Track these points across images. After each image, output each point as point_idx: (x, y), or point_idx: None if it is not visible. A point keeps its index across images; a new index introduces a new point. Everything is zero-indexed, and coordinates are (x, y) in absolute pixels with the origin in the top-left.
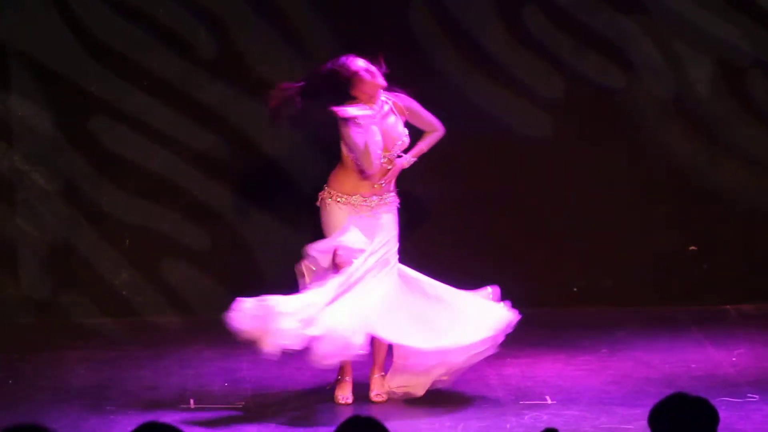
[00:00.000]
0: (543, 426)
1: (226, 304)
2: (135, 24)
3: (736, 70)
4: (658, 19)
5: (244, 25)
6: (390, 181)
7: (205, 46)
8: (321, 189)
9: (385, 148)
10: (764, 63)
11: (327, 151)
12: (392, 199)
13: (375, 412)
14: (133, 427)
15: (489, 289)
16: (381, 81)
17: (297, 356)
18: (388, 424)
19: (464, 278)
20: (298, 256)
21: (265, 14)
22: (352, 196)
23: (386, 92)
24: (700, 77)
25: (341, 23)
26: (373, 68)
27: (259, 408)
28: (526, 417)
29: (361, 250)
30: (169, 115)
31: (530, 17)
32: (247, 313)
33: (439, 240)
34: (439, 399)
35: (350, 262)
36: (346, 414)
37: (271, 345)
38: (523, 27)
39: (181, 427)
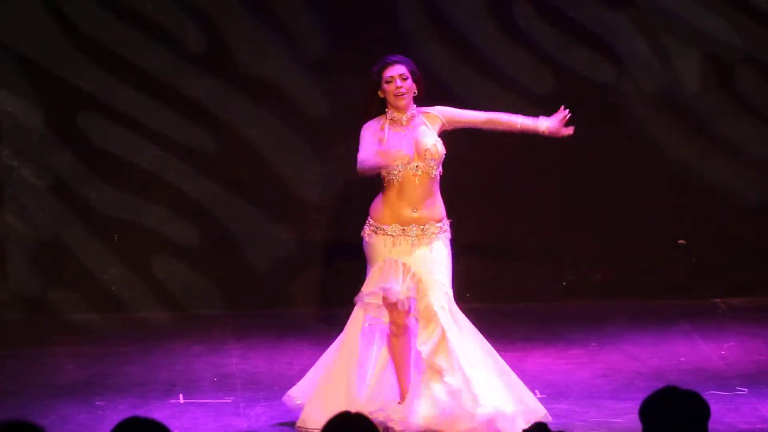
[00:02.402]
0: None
1: (214, 299)
2: (123, 20)
3: (725, 65)
4: (647, 13)
5: (232, 20)
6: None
7: (194, 41)
8: (312, 189)
9: (417, 157)
10: (753, 57)
11: (320, 152)
12: (437, 230)
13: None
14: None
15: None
16: (401, 98)
17: (284, 352)
18: None
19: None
20: (286, 251)
21: (252, 9)
22: (389, 225)
23: (419, 107)
24: (688, 71)
25: (329, 17)
26: (402, 75)
27: (248, 403)
28: None
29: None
30: (158, 110)
31: (519, 12)
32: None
33: None
34: None
35: (398, 303)
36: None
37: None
38: (513, 22)
39: (171, 421)
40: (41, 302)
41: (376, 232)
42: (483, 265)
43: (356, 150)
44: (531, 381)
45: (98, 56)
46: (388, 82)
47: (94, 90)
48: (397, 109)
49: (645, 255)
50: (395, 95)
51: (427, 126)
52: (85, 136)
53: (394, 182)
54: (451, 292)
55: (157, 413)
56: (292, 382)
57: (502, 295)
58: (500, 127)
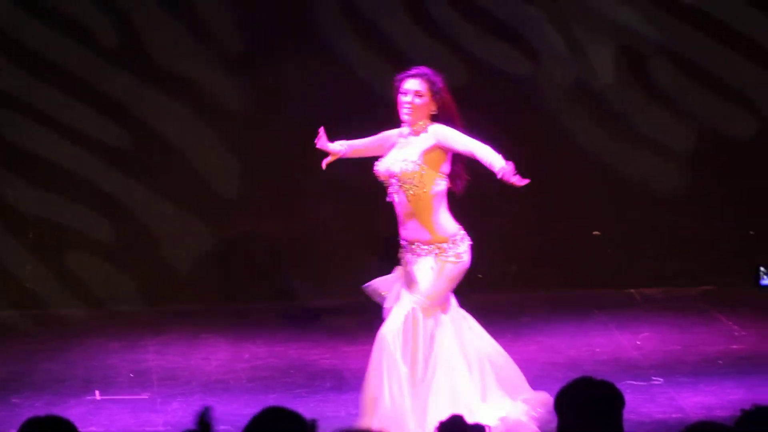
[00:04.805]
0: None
1: (131, 295)
2: (39, 17)
3: (639, 56)
4: (562, 6)
5: (147, 16)
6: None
7: (111, 38)
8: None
9: (393, 176)
10: (666, 48)
11: (237, 147)
12: (439, 249)
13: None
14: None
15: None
16: (404, 113)
17: (203, 347)
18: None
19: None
20: (205, 247)
21: (167, 4)
22: (403, 242)
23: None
24: (603, 64)
25: (243, 11)
26: (413, 89)
27: (165, 398)
28: None
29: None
30: (74, 107)
31: (433, 5)
32: None
33: (341, 227)
34: (344, 386)
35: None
36: (251, 405)
37: None
38: (427, 14)
39: (88, 418)
40: None
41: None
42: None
43: (275, 145)
44: None
45: (13, 54)
46: (402, 94)
47: (9, 88)
48: (403, 122)
49: (560, 246)
50: (400, 108)
51: (417, 145)
52: (0, 133)
53: (392, 198)
54: (427, 299)
55: (74, 410)
56: (210, 377)
57: None
58: (477, 160)
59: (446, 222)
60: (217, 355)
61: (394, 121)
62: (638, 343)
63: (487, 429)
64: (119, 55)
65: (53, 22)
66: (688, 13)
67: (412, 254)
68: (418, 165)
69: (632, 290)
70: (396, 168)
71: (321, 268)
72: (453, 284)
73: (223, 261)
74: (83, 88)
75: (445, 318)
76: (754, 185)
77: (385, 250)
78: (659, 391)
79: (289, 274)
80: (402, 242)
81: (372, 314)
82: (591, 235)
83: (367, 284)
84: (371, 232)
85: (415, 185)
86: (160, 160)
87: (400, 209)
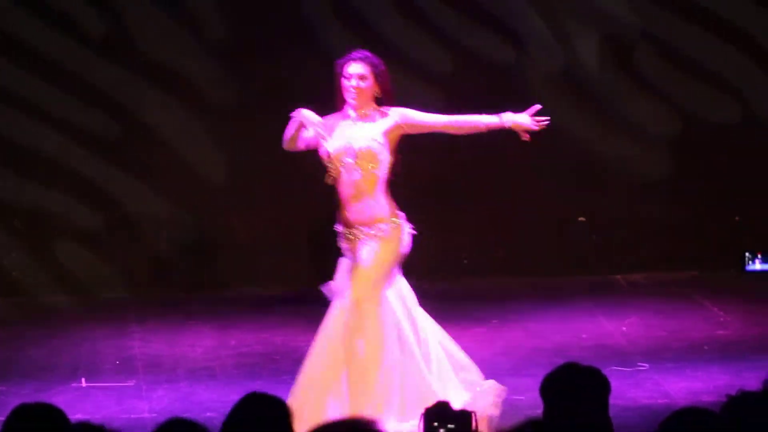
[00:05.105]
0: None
1: (116, 283)
2: (24, 6)
3: (624, 44)
4: None
5: (134, 5)
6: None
7: (97, 28)
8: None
9: (350, 154)
10: (651, 36)
11: (224, 136)
12: (384, 229)
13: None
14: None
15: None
16: (351, 96)
17: (188, 334)
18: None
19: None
20: (189, 235)
21: None
22: (342, 228)
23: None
24: (588, 51)
25: (231, 1)
26: (358, 74)
27: (150, 385)
28: None
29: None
30: (60, 96)
31: None
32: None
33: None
34: None
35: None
36: (237, 392)
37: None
38: (412, 3)
39: (74, 405)
40: None
41: (341, 236)
42: None
43: (262, 134)
44: None
45: None
46: (345, 78)
47: None
48: (349, 106)
49: (546, 232)
50: (347, 92)
51: (375, 125)
52: None
53: (337, 181)
54: (377, 282)
55: (60, 397)
56: (195, 364)
57: (404, 272)
58: (463, 130)
59: (391, 204)
60: (203, 342)
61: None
62: (624, 329)
63: (473, 415)
64: (106, 44)
65: (40, 11)
66: (673, 1)
67: (354, 241)
68: (381, 144)
69: (618, 276)
70: (359, 145)
71: (307, 255)
72: (396, 264)
73: (209, 248)
74: (70, 77)
75: (394, 302)
76: (739, 171)
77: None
78: (645, 377)
79: (274, 262)
80: (341, 229)
81: None
82: (576, 222)
83: (325, 285)
84: None
85: (374, 164)
86: (147, 149)
87: (350, 189)
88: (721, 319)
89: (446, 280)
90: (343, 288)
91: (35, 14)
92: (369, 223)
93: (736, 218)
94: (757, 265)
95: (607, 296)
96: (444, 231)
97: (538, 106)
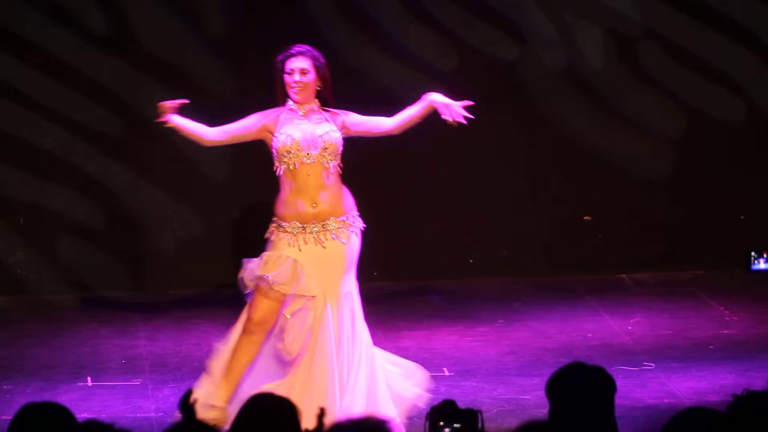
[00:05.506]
0: (441, 398)
1: (121, 280)
2: (26, 1)
3: (627, 40)
4: None
5: (137, 3)
6: None
7: (97, 22)
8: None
9: (310, 146)
10: (654, 33)
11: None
12: (338, 224)
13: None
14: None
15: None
16: (294, 91)
17: (194, 332)
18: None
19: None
20: (192, 231)
21: None
22: (289, 223)
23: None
24: (591, 47)
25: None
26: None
27: (156, 384)
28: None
29: (294, 295)
30: (62, 91)
31: None
32: None
33: None
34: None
35: (277, 297)
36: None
37: None
38: (416, 1)
39: (79, 404)
40: None
41: (278, 230)
42: (389, 243)
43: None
44: (438, 359)
45: (2, 39)
46: (287, 74)
47: None
48: (294, 101)
49: (551, 231)
50: (291, 88)
51: (326, 119)
52: None
53: (287, 174)
54: (350, 291)
55: (66, 396)
56: (201, 362)
57: (409, 272)
58: (405, 127)
59: (347, 199)
60: (208, 341)
61: (384, 101)
62: (630, 328)
63: (480, 414)
64: (107, 39)
65: (40, 5)
66: None
67: (302, 235)
68: (340, 138)
69: (623, 275)
70: (322, 137)
71: None
72: (352, 262)
73: (214, 246)
74: (71, 72)
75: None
76: (744, 169)
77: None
78: (651, 377)
79: None
80: (287, 222)
81: (365, 300)
82: (581, 221)
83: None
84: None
85: (335, 157)
86: (148, 145)
87: (310, 184)
88: (727, 318)
89: (451, 279)
90: (282, 280)
91: (38, 9)
92: (323, 218)
93: (742, 217)
94: (763, 264)
95: (612, 295)
96: (448, 230)
97: (470, 102)
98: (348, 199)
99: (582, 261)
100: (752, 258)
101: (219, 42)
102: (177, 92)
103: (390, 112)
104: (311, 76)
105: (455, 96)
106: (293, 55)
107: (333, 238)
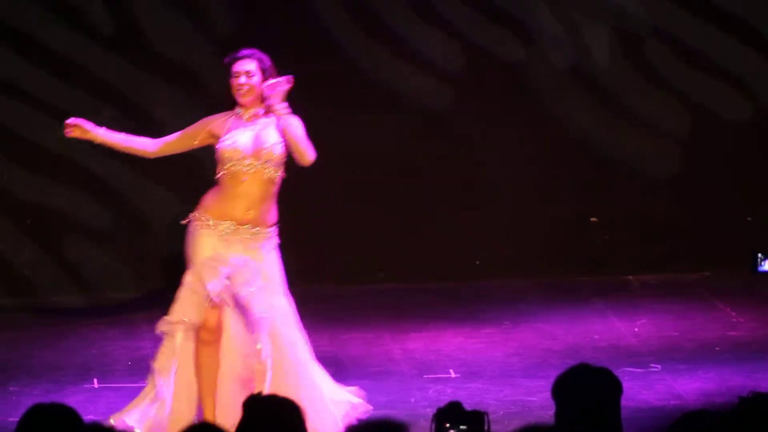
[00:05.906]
0: (447, 399)
1: (127, 281)
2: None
3: (634, 39)
4: None
5: (144, 2)
6: None
7: (104, 21)
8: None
9: (252, 155)
10: (661, 31)
11: None
12: (267, 235)
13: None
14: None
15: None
16: (240, 94)
17: None
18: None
19: (364, 256)
20: None
21: None
22: (221, 222)
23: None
24: (598, 46)
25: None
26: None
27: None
28: (430, 391)
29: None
30: (67, 90)
31: None
32: None
33: (336, 214)
34: (342, 373)
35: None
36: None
37: None
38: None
39: (86, 406)
40: None
41: (205, 227)
42: (395, 245)
43: None
44: (445, 360)
45: (6, 35)
46: (233, 77)
47: (2, 70)
48: (240, 105)
49: (557, 232)
50: (236, 91)
51: (272, 125)
52: None
53: (229, 178)
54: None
55: (72, 398)
56: None
57: (416, 274)
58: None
59: (275, 212)
60: None
61: (391, 101)
62: (636, 329)
63: (486, 416)
64: (116, 40)
65: (46, 4)
66: None
67: (251, 242)
68: (282, 150)
69: (630, 277)
70: (268, 148)
71: (314, 253)
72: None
73: None
74: (78, 71)
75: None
76: (751, 170)
77: None
78: (657, 378)
79: (283, 259)
80: (215, 221)
81: (365, 299)
82: (588, 222)
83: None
84: (370, 222)
85: (275, 167)
86: None
87: (250, 191)
88: (734, 319)
89: (457, 280)
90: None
91: (43, 8)
92: (256, 225)
93: (748, 218)
94: None
95: (618, 297)
96: (455, 232)
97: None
98: (274, 213)
99: (589, 262)
100: (759, 259)
101: (226, 41)
102: (182, 91)
103: (392, 112)
104: (257, 78)
105: (463, 97)
106: (239, 58)
107: (266, 248)
